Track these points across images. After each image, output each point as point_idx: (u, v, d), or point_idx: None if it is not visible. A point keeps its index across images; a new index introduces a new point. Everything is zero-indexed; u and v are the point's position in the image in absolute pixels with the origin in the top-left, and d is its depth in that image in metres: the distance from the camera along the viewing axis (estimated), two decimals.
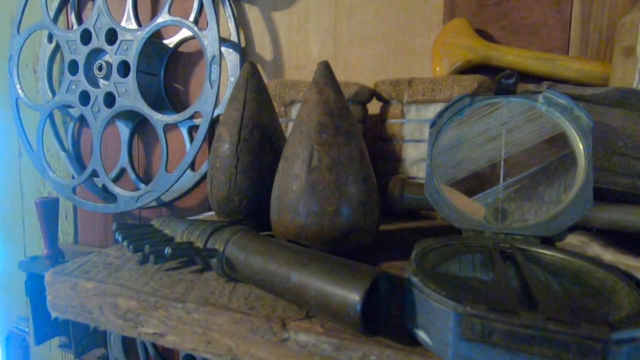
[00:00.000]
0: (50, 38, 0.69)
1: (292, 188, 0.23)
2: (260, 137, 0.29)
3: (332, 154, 0.23)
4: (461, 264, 0.18)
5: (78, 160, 0.70)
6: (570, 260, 0.18)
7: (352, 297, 0.14)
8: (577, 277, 0.16)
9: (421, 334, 0.15)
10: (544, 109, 0.22)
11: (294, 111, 0.39)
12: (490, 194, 0.22)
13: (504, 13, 0.43)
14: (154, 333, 0.20)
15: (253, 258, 0.19)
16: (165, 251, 0.19)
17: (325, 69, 0.25)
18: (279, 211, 0.24)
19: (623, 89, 0.24)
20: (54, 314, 0.23)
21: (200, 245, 0.21)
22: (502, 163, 0.22)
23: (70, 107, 0.67)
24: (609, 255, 0.18)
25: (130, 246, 0.23)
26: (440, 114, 0.24)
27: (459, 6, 0.44)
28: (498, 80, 0.23)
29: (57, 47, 0.69)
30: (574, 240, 0.20)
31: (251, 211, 0.29)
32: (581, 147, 0.20)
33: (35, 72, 0.73)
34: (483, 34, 0.43)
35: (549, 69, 0.38)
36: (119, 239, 0.25)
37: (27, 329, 0.82)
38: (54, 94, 0.69)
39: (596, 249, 0.19)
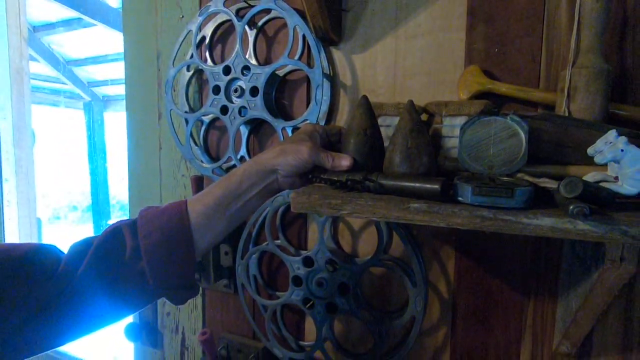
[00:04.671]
0: (188, 68, 1.00)
1: (398, 156, 0.53)
2: (372, 135, 0.59)
3: (416, 141, 0.53)
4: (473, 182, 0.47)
5: (207, 152, 1.02)
6: (513, 179, 0.47)
7: (436, 186, 0.44)
8: (515, 182, 0.46)
9: (460, 198, 0.44)
10: (510, 122, 0.51)
11: (380, 120, 0.68)
12: (486, 158, 0.52)
13: (501, 60, 0.71)
14: (348, 212, 0.50)
15: (391, 180, 0.49)
16: (366, 177, 0.49)
17: (412, 103, 0.54)
18: (391, 167, 0.54)
19: (547, 113, 0.53)
20: (295, 210, 0.53)
21: (361, 178, 0.51)
22: (491, 145, 0.52)
23: (205, 115, 0.98)
24: (530, 179, 0.47)
25: (326, 183, 0.53)
26: (464, 124, 0.54)
27: (474, 56, 0.73)
28: (489, 109, 0.52)
29: (193, 74, 1.01)
30: (519, 174, 0.49)
31: (365, 168, 0.59)
32: (523, 139, 0.50)
33: (174, 91, 1.05)
34: (488, 73, 0.72)
35: (525, 96, 0.66)
36: (314, 179, 0.55)
37: None
38: (189, 105, 1.01)
39: (527, 177, 0.48)
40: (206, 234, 0.57)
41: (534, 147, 0.52)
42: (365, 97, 0.61)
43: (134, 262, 0.53)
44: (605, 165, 0.44)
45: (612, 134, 0.43)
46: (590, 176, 0.45)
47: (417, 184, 0.46)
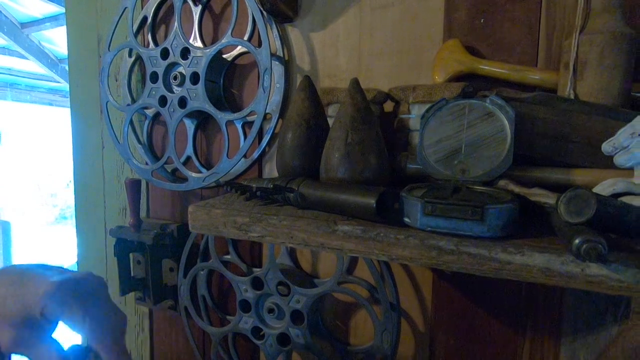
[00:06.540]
0: (130, 53, 0.86)
1: (335, 156, 0.38)
2: (315, 126, 0.44)
3: (360, 135, 0.38)
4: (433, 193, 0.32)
5: (151, 150, 0.88)
6: (491, 189, 0.32)
7: (371, 201, 0.29)
8: (492, 196, 0.31)
9: (406, 219, 0.29)
10: (490, 107, 0.36)
11: (330, 109, 0.54)
12: (457, 159, 0.37)
13: (488, 34, 0.56)
14: (258, 236, 0.36)
15: (317, 190, 0.34)
16: (282, 186, 0.35)
17: (356, 82, 0.39)
18: (327, 171, 0.39)
19: (544, 94, 0.37)
20: (193, 231, 0.39)
21: (272, 186, 0.37)
22: (463, 141, 0.36)
23: (147, 108, 0.84)
24: (517, 189, 0.32)
25: (238, 191, 0.38)
26: (427, 110, 0.39)
27: (455, 28, 0.58)
28: (462, 90, 0.37)
29: (135, 61, 0.86)
30: (501, 182, 0.34)
31: (306, 172, 0.44)
32: (508, 129, 0.34)
33: (116, 80, 0.91)
34: (472, 50, 0.56)
35: (519, 78, 0.51)
36: (228, 189, 0.40)
37: None
38: (132, 97, 0.87)
39: (512, 186, 0.33)
40: None
41: (524, 143, 0.37)
42: (307, 78, 0.46)
43: None
44: (630, 169, 0.29)
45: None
46: (607, 186, 0.30)
47: (347, 196, 0.31)
